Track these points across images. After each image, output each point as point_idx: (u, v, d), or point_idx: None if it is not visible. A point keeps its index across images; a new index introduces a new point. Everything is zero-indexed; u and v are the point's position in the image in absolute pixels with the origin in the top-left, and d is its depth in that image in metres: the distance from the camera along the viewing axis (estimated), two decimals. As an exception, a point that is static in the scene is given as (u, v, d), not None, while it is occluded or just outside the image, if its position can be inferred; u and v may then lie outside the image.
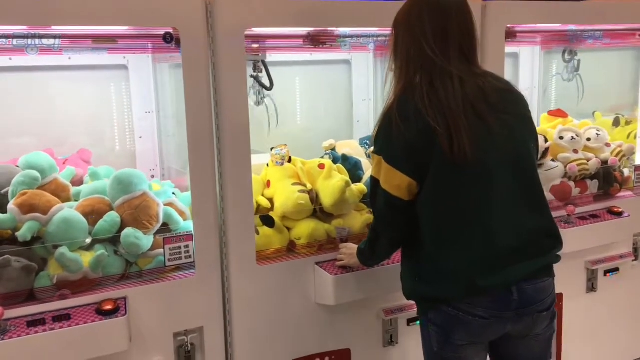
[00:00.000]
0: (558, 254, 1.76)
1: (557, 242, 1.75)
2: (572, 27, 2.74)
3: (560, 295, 2.61)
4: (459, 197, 1.64)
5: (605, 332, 2.82)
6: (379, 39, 2.31)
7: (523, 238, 1.67)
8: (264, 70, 2.32)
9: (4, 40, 1.76)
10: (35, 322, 1.72)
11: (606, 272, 2.75)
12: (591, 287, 2.73)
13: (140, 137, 2.46)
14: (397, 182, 1.65)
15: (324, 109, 2.90)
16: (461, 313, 1.65)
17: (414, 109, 1.61)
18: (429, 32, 1.64)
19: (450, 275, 1.66)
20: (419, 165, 1.62)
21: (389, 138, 1.64)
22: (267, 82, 2.36)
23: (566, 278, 2.59)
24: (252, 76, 2.33)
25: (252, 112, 2.34)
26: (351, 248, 2.05)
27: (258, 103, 2.43)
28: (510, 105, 1.71)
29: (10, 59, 2.13)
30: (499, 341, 1.75)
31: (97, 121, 2.42)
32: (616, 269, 2.77)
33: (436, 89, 1.62)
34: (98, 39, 1.97)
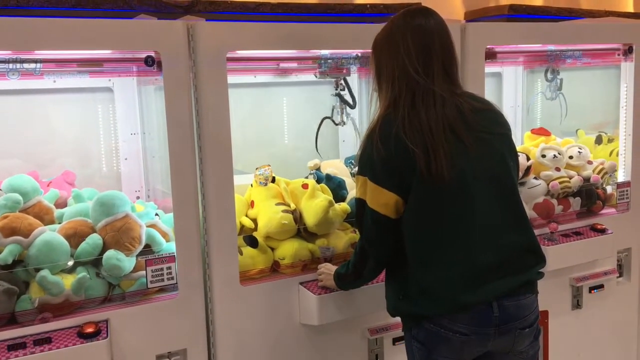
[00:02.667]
0: (540, 270, 1.78)
1: (539, 259, 1.77)
2: (552, 47, 2.79)
3: (546, 312, 2.62)
4: (440, 216, 1.67)
5: (591, 349, 2.83)
6: (359, 60, 2.35)
7: (504, 254, 1.69)
8: (345, 89, 2.42)
9: (-14, 65, 1.78)
10: (16, 346, 1.71)
11: (591, 289, 2.76)
12: (576, 304, 2.74)
13: (126, 159, 2.47)
14: (384, 200, 1.67)
15: (310, 128, 2.92)
16: (442, 329, 1.67)
17: (395, 131, 1.64)
18: (413, 53, 1.67)
19: (432, 293, 1.68)
20: (402, 184, 1.65)
21: (371, 158, 1.67)
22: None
23: (551, 295, 2.61)
24: (336, 94, 2.43)
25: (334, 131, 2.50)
26: (330, 269, 2.06)
27: (343, 123, 2.49)
28: (488, 124, 1.74)
29: (-5, 82, 2.14)
30: (482, 358, 1.75)
31: (83, 143, 2.43)
32: (601, 286, 2.79)
33: (417, 110, 1.65)
34: (83, 62, 1.99)
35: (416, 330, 1.72)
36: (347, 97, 2.45)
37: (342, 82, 2.42)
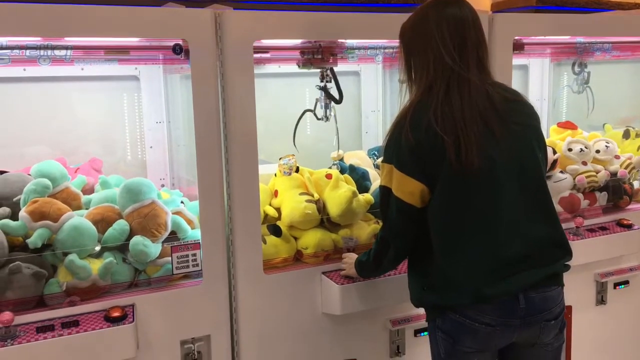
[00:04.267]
0: (567, 263, 1.77)
1: (565, 251, 1.75)
2: (581, 39, 2.75)
3: (570, 307, 2.60)
4: (467, 207, 1.66)
5: (614, 345, 2.80)
6: (386, 50, 2.33)
7: (530, 247, 1.68)
8: (332, 81, 2.20)
9: (18, 51, 1.80)
10: (44, 328, 1.74)
11: (616, 285, 2.73)
12: (600, 300, 2.71)
13: (151, 147, 2.50)
14: (409, 189, 1.67)
15: (334, 119, 2.91)
16: (468, 320, 1.66)
17: (426, 119, 1.63)
18: (449, 41, 1.65)
19: (458, 284, 1.67)
20: (429, 173, 1.64)
21: (399, 146, 1.66)
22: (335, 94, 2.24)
23: (575, 290, 2.58)
24: (320, 87, 2.24)
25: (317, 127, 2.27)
26: (354, 258, 2.06)
27: (326, 118, 2.27)
28: (518, 116, 1.72)
29: (25, 69, 2.17)
30: (507, 350, 1.75)
31: (109, 131, 2.46)
32: (626, 282, 2.75)
33: (450, 97, 1.63)
34: (110, 50, 2.01)
35: (440, 321, 1.72)
36: (334, 91, 2.25)
37: (329, 72, 2.22)
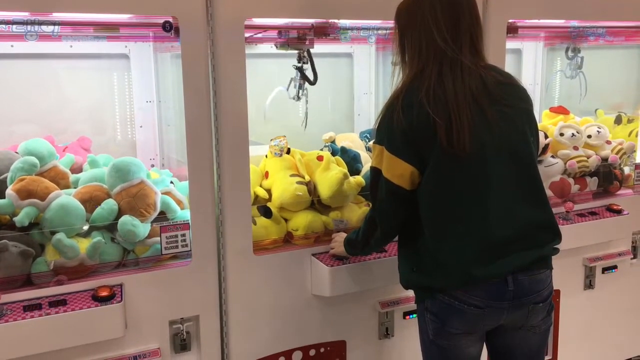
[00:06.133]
0: (556, 246, 1.77)
1: (555, 235, 1.76)
2: (575, 23, 2.73)
3: (558, 291, 2.61)
4: (457, 189, 1.65)
5: (601, 330, 2.82)
6: (380, 31, 2.31)
7: (520, 230, 1.68)
8: (308, 62, 2.25)
9: (4, 26, 1.77)
10: (31, 307, 1.73)
11: (604, 270, 2.75)
12: (589, 285, 2.73)
13: (141, 127, 2.47)
14: (399, 171, 1.66)
15: (326, 101, 2.90)
16: (456, 302, 1.66)
17: (419, 100, 1.62)
18: (442, 23, 1.64)
19: (447, 266, 1.67)
20: (420, 155, 1.64)
21: (390, 128, 1.65)
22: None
23: (564, 275, 2.60)
24: (296, 67, 2.27)
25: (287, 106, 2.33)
26: (343, 236, 2.06)
27: (297, 98, 2.33)
28: (511, 99, 1.71)
29: (12, 45, 2.14)
30: (495, 332, 1.76)
31: (98, 109, 2.43)
32: (614, 267, 2.77)
33: (443, 79, 1.62)
34: (99, 26, 1.97)
35: (429, 302, 1.72)
36: (309, 72, 2.30)
37: (306, 54, 2.26)
